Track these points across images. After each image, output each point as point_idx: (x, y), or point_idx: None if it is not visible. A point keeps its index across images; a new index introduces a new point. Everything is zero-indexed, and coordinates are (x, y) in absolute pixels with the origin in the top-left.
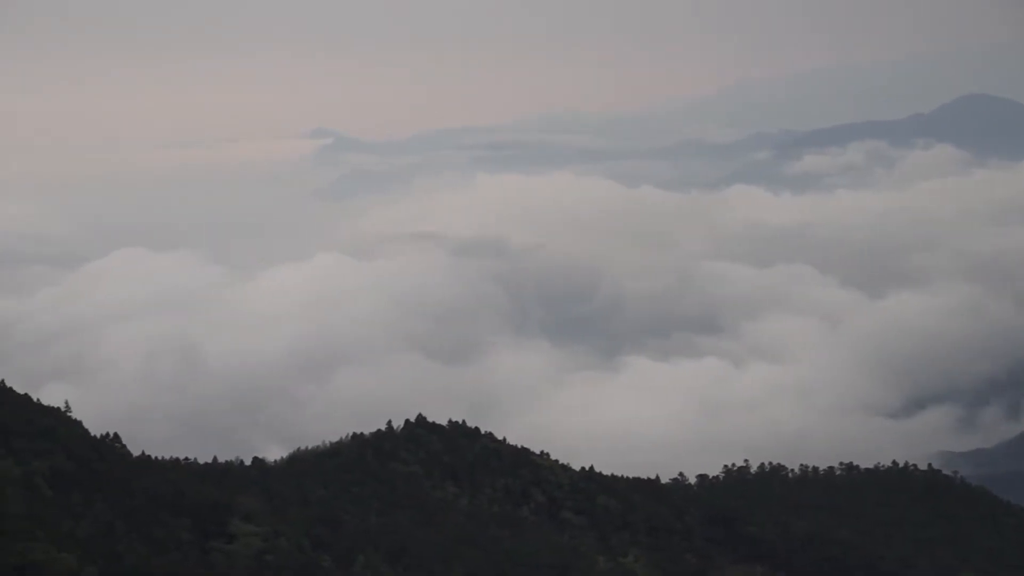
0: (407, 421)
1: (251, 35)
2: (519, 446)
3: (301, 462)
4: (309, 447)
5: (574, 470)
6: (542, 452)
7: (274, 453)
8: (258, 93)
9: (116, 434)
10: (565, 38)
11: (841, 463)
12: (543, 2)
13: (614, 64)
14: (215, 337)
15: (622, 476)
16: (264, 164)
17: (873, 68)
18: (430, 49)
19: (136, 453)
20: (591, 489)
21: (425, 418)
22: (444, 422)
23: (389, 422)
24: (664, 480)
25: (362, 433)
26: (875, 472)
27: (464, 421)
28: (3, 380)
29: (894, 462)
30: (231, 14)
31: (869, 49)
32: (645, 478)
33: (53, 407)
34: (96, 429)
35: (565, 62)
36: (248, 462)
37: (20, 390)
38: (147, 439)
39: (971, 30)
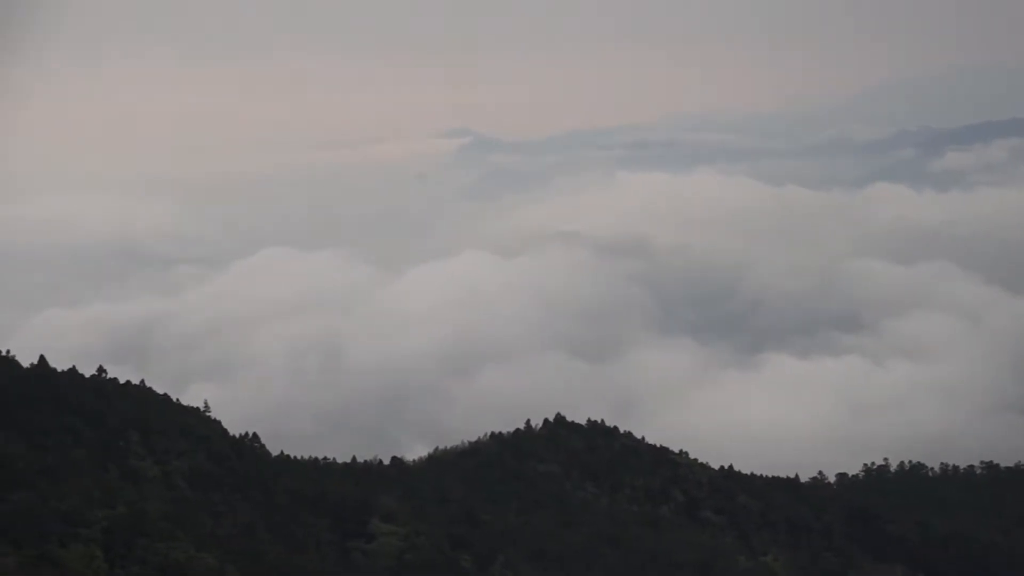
0: (546, 420)
1: (389, 36)
2: (658, 445)
3: (441, 461)
4: (448, 446)
5: (713, 469)
6: (681, 451)
7: (419, 451)
8: (398, 94)
9: (255, 434)
10: (707, 37)
11: (982, 462)
12: (686, 1)
13: (756, 63)
14: (361, 335)
15: (762, 475)
16: (406, 164)
17: (1015, 65)
18: (566, 48)
19: (282, 450)
20: (731, 488)
21: (564, 417)
22: (585, 421)
23: (528, 421)
24: (804, 479)
25: (501, 432)
26: (1017, 471)
27: (603, 420)
28: (143, 380)
29: None
30: (369, 16)
31: (1009, 46)
32: (785, 477)
33: (193, 407)
34: (244, 427)
35: (708, 61)
36: (393, 460)
37: (168, 390)
38: (294, 437)
39: None
